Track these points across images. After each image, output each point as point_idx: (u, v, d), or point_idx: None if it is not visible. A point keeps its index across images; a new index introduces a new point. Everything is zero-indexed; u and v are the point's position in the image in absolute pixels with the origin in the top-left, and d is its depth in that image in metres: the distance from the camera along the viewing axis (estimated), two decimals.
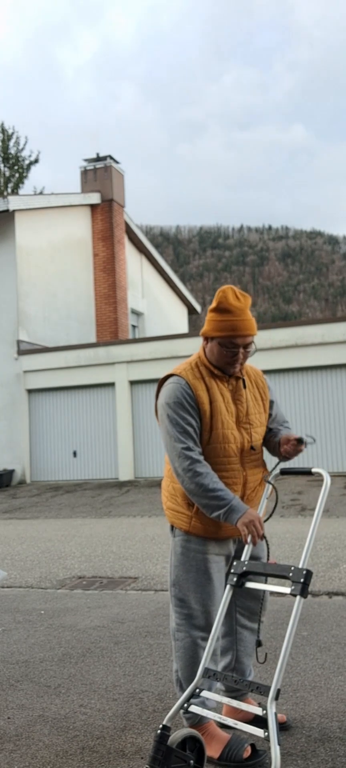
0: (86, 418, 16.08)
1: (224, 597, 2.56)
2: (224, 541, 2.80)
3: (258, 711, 2.25)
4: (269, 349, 14.04)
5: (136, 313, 22.14)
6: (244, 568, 2.55)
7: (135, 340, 16.70)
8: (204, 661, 2.47)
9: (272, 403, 2.99)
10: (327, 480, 2.60)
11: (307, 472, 2.71)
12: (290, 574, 2.37)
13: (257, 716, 2.70)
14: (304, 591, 2.32)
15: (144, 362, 15.46)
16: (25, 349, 16.41)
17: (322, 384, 13.91)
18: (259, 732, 2.19)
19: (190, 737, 2.41)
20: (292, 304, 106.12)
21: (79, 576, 6.41)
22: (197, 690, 2.42)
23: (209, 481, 2.63)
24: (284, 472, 2.81)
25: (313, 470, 2.69)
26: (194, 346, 15.03)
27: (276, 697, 2.20)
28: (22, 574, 6.61)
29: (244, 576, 2.55)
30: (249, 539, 2.57)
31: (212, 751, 2.63)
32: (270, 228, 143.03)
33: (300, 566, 2.39)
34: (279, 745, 2.10)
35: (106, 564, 6.86)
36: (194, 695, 2.41)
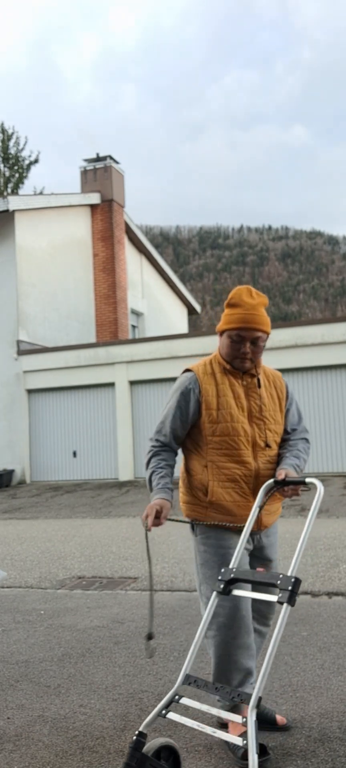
0: (86, 418, 16.08)
1: (209, 603, 2.53)
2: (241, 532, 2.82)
3: (238, 719, 2.21)
4: (269, 349, 14.03)
5: (136, 314, 22.14)
6: (231, 575, 2.52)
7: (135, 340, 16.70)
8: (185, 668, 2.42)
9: (288, 402, 3.01)
10: (320, 490, 2.57)
11: (301, 482, 2.70)
12: (279, 582, 2.33)
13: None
14: (291, 599, 2.28)
15: (144, 362, 15.46)
16: (25, 349, 16.41)
17: (322, 384, 13.91)
18: (238, 741, 2.15)
19: (165, 747, 2.37)
20: (292, 305, 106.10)
21: (79, 576, 6.41)
22: (177, 697, 2.35)
23: (153, 465, 2.88)
24: (278, 482, 2.76)
25: (307, 480, 2.67)
26: (194, 346, 15.03)
27: (257, 705, 2.15)
28: (22, 574, 6.61)
29: (231, 583, 2.52)
30: (144, 525, 2.70)
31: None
32: (270, 228, 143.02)
33: (289, 574, 2.36)
34: (257, 754, 2.06)
35: (106, 564, 6.85)
36: (173, 701, 2.35)
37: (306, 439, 3.02)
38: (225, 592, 2.53)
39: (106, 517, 10.64)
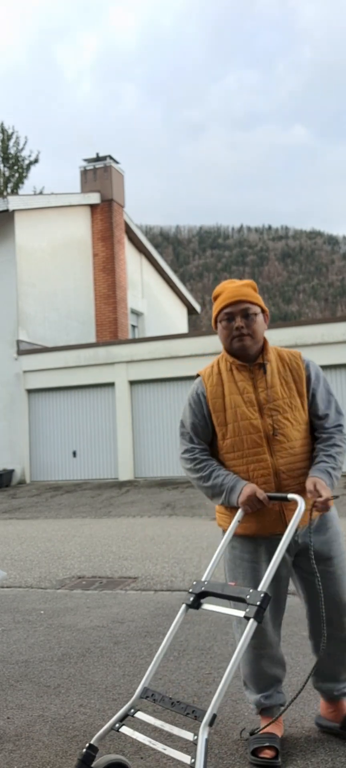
0: (86, 418, 16.08)
1: (177, 616, 2.46)
2: (266, 540, 2.68)
3: (189, 736, 2.12)
4: None
5: (136, 313, 22.14)
6: (202, 588, 2.44)
7: (135, 340, 16.70)
8: (144, 681, 2.36)
9: (309, 383, 2.75)
10: (301, 506, 2.49)
11: (283, 498, 2.58)
12: (248, 597, 2.28)
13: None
14: (259, 614, 2.22)
15: (144, 362, 15.46)
16: (24, 349, 16.41)
17: None
18: (185, 758, 2.06)
19: (116, 763, 2.30)
20: (292, 304, 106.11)
21: (79, 576, 6.41)
22: (132, 710, 2.29)
23: (207, 472, 2.70)
24: (270, 497, 2.66)
25: (288, 497, 2.56)
26: (194, 346, 15.03)
27: (211, 723, 2.07)
28: (22, 574, 6.61)
29: (202, 596, 2.45)
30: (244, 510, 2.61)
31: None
32: (270, 228, 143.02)
33: (259, 589, 2.31)
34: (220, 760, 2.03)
35: (106, 564, 6.85)
36: (128, 715, 2.28)
37: (341, 427, 2.72)
38: (194, 605, 2.44)
39: (106, 517, 10.64)
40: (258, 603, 2.24)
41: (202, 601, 2.45)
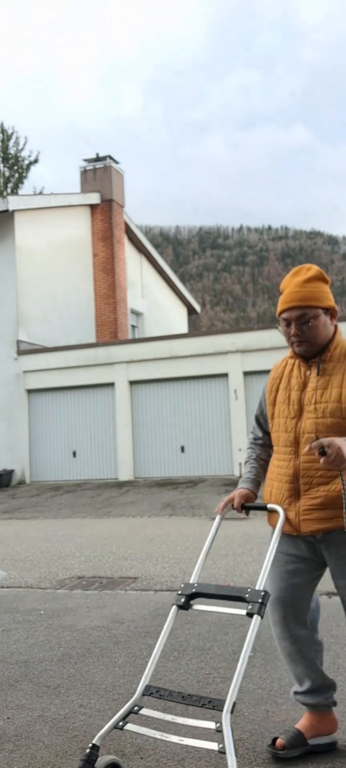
0: (86, 418, 16.08)
1: (168, 618, 2.49)
2: (295, 539, 2.65)
3: (211, 725, 2.15)
4: (269, 349, 14.04)
5: (136, 313, 22.14)
6: (193, 590, 2.47)
7: (135, 341, 16.71)
8: (144, 679, 2.37)
9: None
10: (281, 515, 2.54)
11: (263, 508, 2.65)
12: (247, 596, 2.33)
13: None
14: (261, 610, 2.28)
15: (144, 362, 15.46)
16: (24, 349, 16.41)
17: None
18: (213, 745, 2.10)
19: (115, 765, 2.33)
20: None
21: (79, 576, 6.41)
22: (136, 708, 2.31)
23: (245, 462, 2.91)
24: (244, 507, 2.72)
25: (268, 506, 2.63)
26: (194, 346, 15.03)
27: (232, 711, 2.13)
28: (22, 574, 6.61)
29: (192, 597, 2.47)
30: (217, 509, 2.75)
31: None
32: (270, 228, 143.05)
33: (257, 588, 2.35)
34: (236, 756, 2.05)
35: (106, 564, 6.85)
36: (132, 712, 2.30)
37: None
38: (185, 606, 2.46)
39: (106, 517, 10.64)
40: (259, 600, 2.30)
41: (192, 602, 2.48)
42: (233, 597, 2.36)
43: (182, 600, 2.47)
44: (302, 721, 2.74)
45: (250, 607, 2.30)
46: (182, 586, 2.52)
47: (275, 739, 2.66)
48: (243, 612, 2.33)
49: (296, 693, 2.77)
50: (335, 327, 2.67)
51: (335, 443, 2.34)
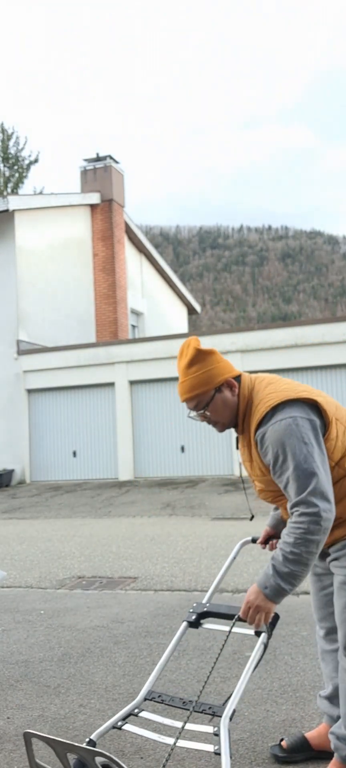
0: (86, 418, 16.08)
1: (178, 633, 2.52)
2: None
3: (208, 729, 2.14)
4: (269, 349, 14.05)
5: (136, 313, 22.14)
6: (204, 609, 2.51)
7: (135, 340, 16.70)
8: (148, 685, 2.39)
9: (263, 454, 2.34)
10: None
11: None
12: None
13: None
14: (269, 630, 2.30)
15: (144, 362, 15.46)
16: (24, 349, 16.41)
17: (322, 384, 13.91)
18: (208, 747, 2.09)
19: (107, 766, 2.33)
20: (292, 304, 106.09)
21: (79, 576, 6.41)
22: (137, 710, 2.33)
23: None
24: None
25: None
26: None
27: (231, 718, 2.11)
28: (22, 574, 6.61)
29: (203, 616, 2.51)
30: None
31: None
32: (270, 228, 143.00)
33: None
34: (234, 758, 2.06)
35: (106, 564, 6.85)
36: (131, 714, 2.32)
37: (304, 514, 2.16)
38: (195, 624, 2.50)
39: (106, 517, 10.64)
40: (270, 621, 2.30)
41: (202, 621, 2.53)
42: (244, 619, 2.35)
43: (193, 617, 2.51)
44: (314, 732, 2.70)
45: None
46: (194, 605, 2.57)
47: (281, 741, 2.68)
48: (251, 631, 2.37)
49: (319, 696, 2.69)
50: (237, 395, 2.42)
51: (245, 598, 2.29)
